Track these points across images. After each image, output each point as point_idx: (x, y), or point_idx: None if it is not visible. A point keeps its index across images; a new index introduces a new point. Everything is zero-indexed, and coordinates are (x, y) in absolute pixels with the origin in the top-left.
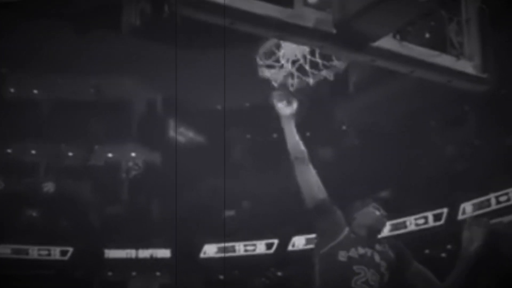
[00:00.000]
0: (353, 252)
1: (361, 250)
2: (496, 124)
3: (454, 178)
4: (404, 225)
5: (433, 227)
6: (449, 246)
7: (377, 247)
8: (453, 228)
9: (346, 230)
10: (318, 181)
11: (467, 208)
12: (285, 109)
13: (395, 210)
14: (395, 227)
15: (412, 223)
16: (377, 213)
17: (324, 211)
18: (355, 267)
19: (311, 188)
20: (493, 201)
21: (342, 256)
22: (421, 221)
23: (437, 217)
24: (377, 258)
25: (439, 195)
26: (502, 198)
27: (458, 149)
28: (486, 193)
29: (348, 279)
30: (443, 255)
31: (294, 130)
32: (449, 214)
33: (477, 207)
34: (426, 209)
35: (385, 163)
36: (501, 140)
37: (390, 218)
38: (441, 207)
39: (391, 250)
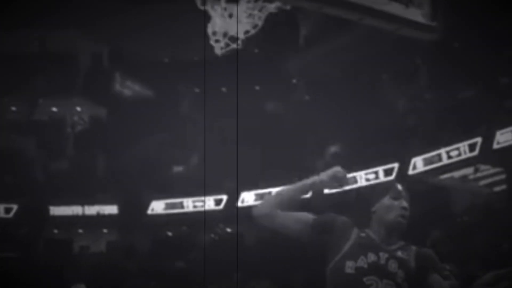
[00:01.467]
0: (362, 261)
1: (372, 257)
2: (448, 78)
3: (405, 132)
4: (354, 180)
5: (384, 182)
6: None
7: (399, 253)
8: (404, 183)
9: (353, 235)
10: (298, 214)
11: (418, 163)
12: (333, 185)
13: (345, 165)
14: None
15: (362, 178)
16: (396, 209)
17: (324, 223)
18: (365, 279)
19: (298, 222)
20: (444, 155)
21: (349, 267)
22: (372, 176)
23: (387, 172)
24: (393, 266)
25: (390, 149)
26: (453, 153)
27: (409, 102)
28: (437, 148)
29: None
30: None
31: (309, 190)
32: (400, 169)
33: (428, 162)
34: (376, 164)
35: (336, 117)
36: (453, 94)
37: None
38: (392, 162)
39: (416, 259)
